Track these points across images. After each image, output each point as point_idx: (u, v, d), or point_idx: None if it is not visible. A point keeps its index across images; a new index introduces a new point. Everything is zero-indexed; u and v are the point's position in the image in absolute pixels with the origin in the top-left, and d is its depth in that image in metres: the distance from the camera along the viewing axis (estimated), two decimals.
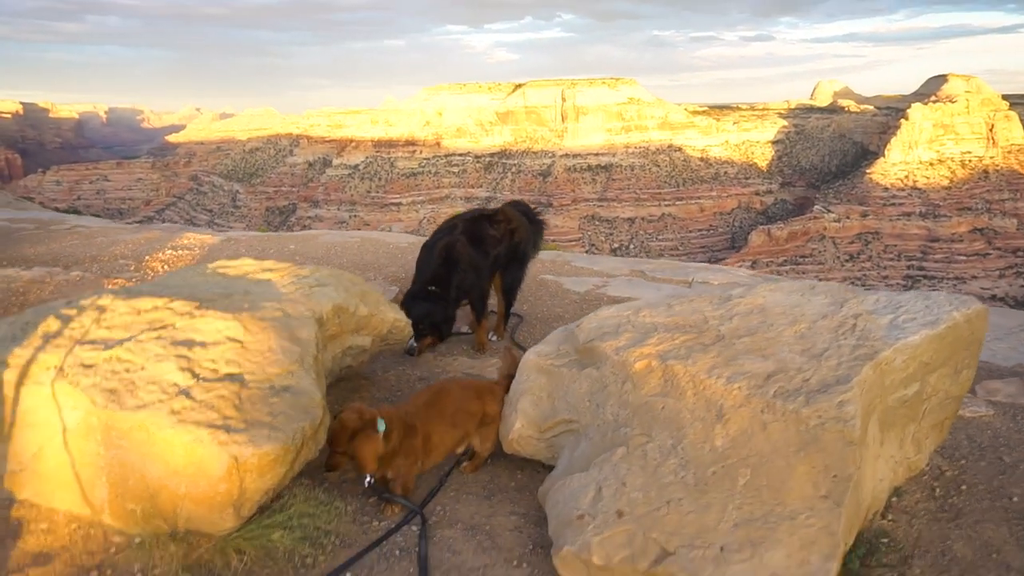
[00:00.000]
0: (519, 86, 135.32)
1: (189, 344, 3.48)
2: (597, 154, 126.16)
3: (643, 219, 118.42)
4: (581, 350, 3.65)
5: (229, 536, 2.95)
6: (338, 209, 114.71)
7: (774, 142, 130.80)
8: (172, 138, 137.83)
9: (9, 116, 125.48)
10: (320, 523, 3.07)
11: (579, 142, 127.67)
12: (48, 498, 3.19)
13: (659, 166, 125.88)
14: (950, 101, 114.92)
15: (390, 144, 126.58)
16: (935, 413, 3.56)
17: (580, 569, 2.79)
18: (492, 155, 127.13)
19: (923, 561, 3.05)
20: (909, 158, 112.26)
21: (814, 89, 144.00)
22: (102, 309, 3.81)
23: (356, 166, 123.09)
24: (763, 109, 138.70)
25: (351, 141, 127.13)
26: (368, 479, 3.36)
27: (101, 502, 3.08)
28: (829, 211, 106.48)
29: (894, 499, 3.46)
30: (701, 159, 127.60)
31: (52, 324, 3.61)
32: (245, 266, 4.87)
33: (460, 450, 3.81)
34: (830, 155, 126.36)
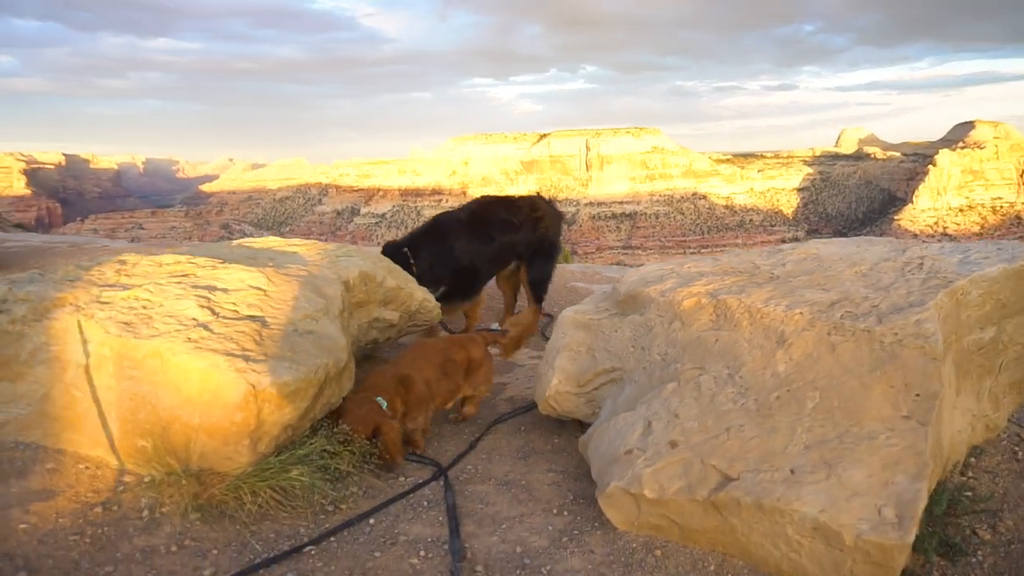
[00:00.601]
0: (544, 136, 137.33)
1: (211, 288, 3.32)
2: (622, 202, 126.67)
3: None
4: (623, 300, 3.42)
5: (244, 476, 2.71)
6: None
7: (799, 189, 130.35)
8: (206, 187, 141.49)
9: (52, 167, 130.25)
10: (342, 464, 2.82)
11: (603, 190, 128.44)
12: (55, 440, 2.99)
13: (684, 214, 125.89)
14: (978, 147, 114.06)
15: (417, 193, 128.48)
16: (1012, 369, 3.24)
17: (629, 506, 2.50)
18: None
19: (1015, 515, 2.72)
20: (938, 204, 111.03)
21: (839, 136, 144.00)
22: (123, 262, 3.68)
23: (383, 215, 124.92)
24: (788, 157, 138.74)
25: (378, 190, 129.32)
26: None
27: (110, 440, 2.87)
28: None
29: (972, 459, 3.13)
30: (726, 207, 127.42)
31: (72, 271, 3.48)
32: (271, 241, 4.75)
33: (450, 404, 3.64)
34: (857, 202, 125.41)
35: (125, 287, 3.29)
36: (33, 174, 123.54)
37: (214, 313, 3.09)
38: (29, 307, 3.08)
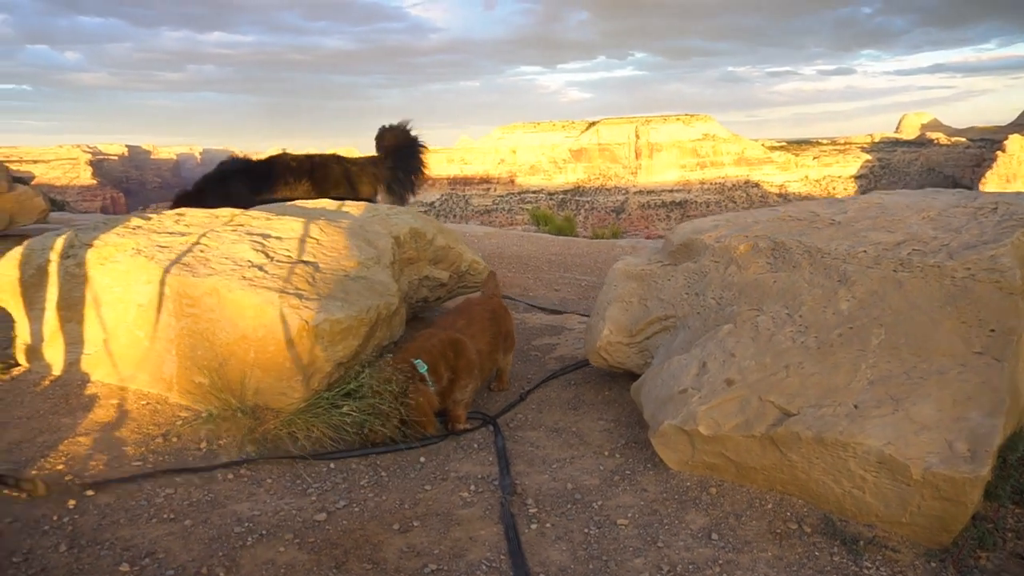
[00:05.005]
0: (592, 124, 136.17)
1: (265, 236, 3.37)
2: (671, 190, 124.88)
3: None
4: (676, 250, 3.34)
5: (297, 412, 2.75)
6: None
7: (857, 177, 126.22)
8: None
9: (116, 158, 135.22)
10: (383, 404, 2.77)
11: (653, 179, 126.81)
12: (120, 377, 3.09)
13: (735, 202, 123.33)
14: None
15: (465, 182, 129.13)
16: None
17: (683, 444, 2.45)
18: (565, 192, 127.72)
19: None
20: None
21: (900, 122, 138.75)
22: (181, 214, 3.77)
23: (432, 203, 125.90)
24: (845, 143, 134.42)
25: (428, 179, 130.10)
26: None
27: (170, 377, 2.96)
28: None
29: None
30: (779, 195, 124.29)
31: (134, 221, 3.59)
32: (323, 203, 4.81)
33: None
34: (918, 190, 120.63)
35: (183, 234, 3.38)
36: (98, 165, 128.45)
37: (268, 256, 3.14)
38: (94, 252, 3.18)
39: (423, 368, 2.83)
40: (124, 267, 3.10)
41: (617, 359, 3.33)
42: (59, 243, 3.32)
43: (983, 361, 2.15)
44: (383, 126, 6.05)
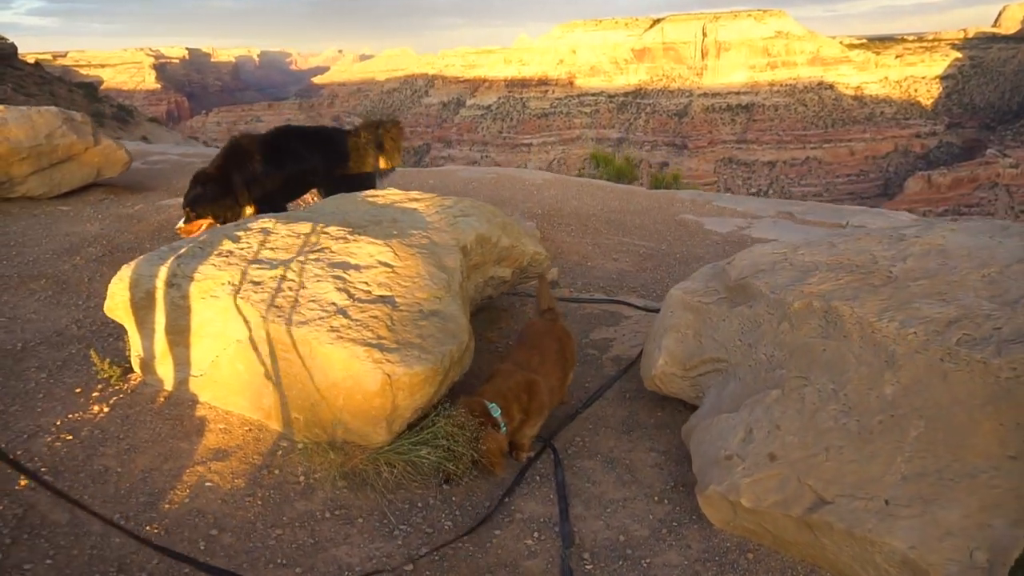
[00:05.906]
0: (657, 21, 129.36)
1: (344, 267, 3.64)
2: (738, 93, 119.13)
3: (785, 163, 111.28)
4: (732, 287, 3.48)
5: (381, 450, 3.11)
6: (470, 149, 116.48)
7: (942, 78, 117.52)
8: (317, 80, 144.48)
9: (177, 61, 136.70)
10: (458, 447, 3.11)
11: (719, 80, 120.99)
12: (224, 401, 3.50)
13: (806, 105, 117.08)
14: None
15: (523, 84, 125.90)
16: None
17: (726, 509, 2.71)
18: (626, 94, 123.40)
19: None
20: None
21: (1000, 14, 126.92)
22: (267, 232, 4.06)
23: (489, 106, 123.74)
24: (933, 40, 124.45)
25: (484, 81, 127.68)
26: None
27: (269, 408, 3.34)
28: (1005, 155, 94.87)
29: None
30: (855, 97, 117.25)
31: (226, 244, 3.90)
32: (392, 195, 5.01)
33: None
34: (1011, 91, 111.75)
35: (272, 263, 3.67)
36: (161, 68, 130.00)
37: (350, 296, 3.43)
38: (195, 286, 3.53)
39: (497, 412, 3.15)
40: (223, 303, 3.43)
41: (671, 389, 3.56)
42: (163, 271, 3.67)
43: (1015, 466, 2.30)
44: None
